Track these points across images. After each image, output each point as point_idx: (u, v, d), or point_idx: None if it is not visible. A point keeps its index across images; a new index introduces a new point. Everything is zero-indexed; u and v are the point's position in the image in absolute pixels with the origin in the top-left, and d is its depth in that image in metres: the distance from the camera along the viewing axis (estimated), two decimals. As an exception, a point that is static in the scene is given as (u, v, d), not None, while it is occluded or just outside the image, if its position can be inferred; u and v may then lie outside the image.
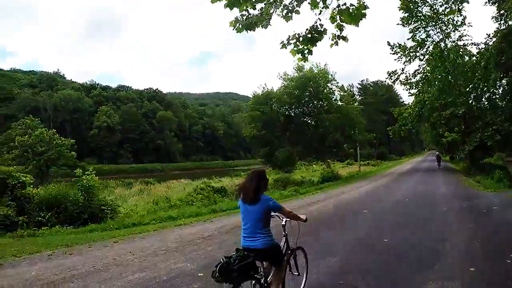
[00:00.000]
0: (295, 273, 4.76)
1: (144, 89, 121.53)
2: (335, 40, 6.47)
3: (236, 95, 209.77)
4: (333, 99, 34.21)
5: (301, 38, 6.34)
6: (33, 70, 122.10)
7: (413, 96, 32.86)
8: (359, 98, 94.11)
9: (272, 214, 4.23)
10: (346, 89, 51.77)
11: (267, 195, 4.09)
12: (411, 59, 30.95)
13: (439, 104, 28.91)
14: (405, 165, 51.07)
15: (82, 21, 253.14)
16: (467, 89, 28.24)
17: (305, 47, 6.42)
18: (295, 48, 6.44)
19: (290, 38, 6.40)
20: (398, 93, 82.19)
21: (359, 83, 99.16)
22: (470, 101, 28.74)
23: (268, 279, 4.12)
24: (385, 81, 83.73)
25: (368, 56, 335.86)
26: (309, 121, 33.87)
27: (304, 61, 6.87)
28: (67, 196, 12.35)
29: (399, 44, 31.03)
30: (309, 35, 6.31)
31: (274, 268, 4.25)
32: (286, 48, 6.48)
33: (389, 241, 7.69)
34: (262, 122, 32.45)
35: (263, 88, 34.44)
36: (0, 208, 10.74)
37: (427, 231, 8.72)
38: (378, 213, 11.73)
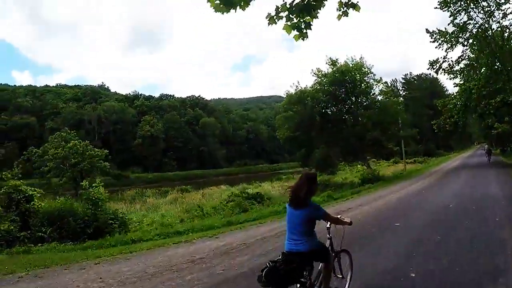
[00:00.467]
0: (339, 276, 4.77)
1: (187, 96, 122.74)
2: (342, 10, 5.34)
3: (280, 98, 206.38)
4: (371, 93, 32.08)
5: (294, 8, 4.99)
6: (78, 85, 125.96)
7: (458, 86, 30.22)
8: (403, 93, 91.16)
9: (316, 218, 4.21)
10: (388, 84, 49.70)
11: (315, 202, 4.24)
12: (453, 46, 28.43)
13: (486, 92, 26.06)
14: (452, 161, 48.20)
15: (124, 34, 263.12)
16: None
17: (301, 20, 5.12)
18: (289, 23, 5.14)
19: (280, 9, 5.04)
20: (443, 85, 78.24)
21: (402, 78, 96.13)
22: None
23: (314, 282, 4.18)
24: (430, 74, 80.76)
25: (416, 51, 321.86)
26: (346, 118, 31.61)
27: (303, 39, 5.33)
28: (72, 210, 11.82)
29: (439, 30, 28.52)
30: (304, 2, 4.98)
31: (322, 266, 4.31)
32: (275, 23, 5.13)
33: (415, 276, 5.58)
34: (296, 122, 30.80)
35: (296, 86, 32.43)
36: (3, 223, 10.48)
37: (473, 257, 6.36)
38: (412, 228, 9.39)
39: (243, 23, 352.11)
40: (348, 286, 4.95)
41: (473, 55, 28.28)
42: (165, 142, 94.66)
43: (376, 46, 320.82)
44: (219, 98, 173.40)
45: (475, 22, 27.03)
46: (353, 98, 31.30)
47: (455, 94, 32.64)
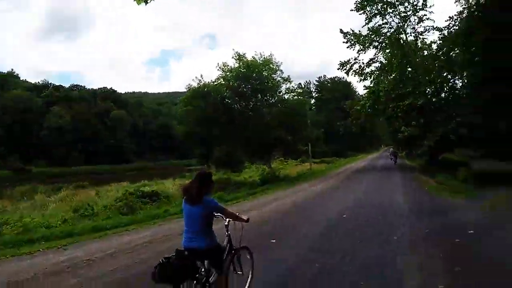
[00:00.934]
0: (239, 273, 4.73)
1: (98, 88, 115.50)
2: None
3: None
4: (278, 92, 30.46)
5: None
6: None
7: (367, 89, 30.10)
8: (316, 95, 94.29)
9: (215, 214, 4.26)
10: (302, 85, 50.24)
11: (209, 197, 4.15)
12: (366, 48, 28.40)
13: (395, 95, 26.18)
14: (360, 162, 49.58)
15: (40, 19, 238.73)
16: (427, 78, 25.64)
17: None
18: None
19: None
20: (355, 89, 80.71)
21: (316, 80, 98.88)
22: (430, 92, 26.25)
23: (210, 279, 4.13)
24: (343, 78, 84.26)
25: (335, 54, 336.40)
26: (250, 116, 29.36)
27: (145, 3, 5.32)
28: None
29: (353, 32, 28.52)
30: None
31: (215, 270, 4.22)
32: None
33: None
34: (197, 118, 28.22)
35: (200, 80, 29.49)
36: None
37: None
38: (288, 249, 7.28)
39: (166, 16, 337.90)
40: (249, 283, 4.92)
41: (385, 58, 28.61)
42: (73, 135, 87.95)
43: (299, 48, 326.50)
44: (133, 92, 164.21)
45: (390, 26, 27.30)
46: (259, 95, 29.69)
47: (363, 96, 32.74)
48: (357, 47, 28.50)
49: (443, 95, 26.35)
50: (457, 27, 21.72)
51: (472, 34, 18.03)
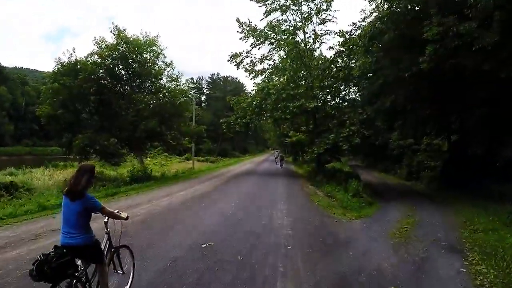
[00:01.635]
0: (120, 272, 4.69)
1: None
2: None
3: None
4: (159, 78, 26.12)
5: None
6: None
7: (256, 86, 27.75)
8: (207, 92, 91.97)
9: (93, 211, 4.07)
10: (194, 80, 46.94)
11: (90, 194, 4.01)
12: (261, 43, 26.07)
13: (286, 95, 24.22)
14: (244, 163, 47.51)
15: None
16: (321, 84, 24.21)
17: None
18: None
19: None
20: (247, 90, 80.00)
21: (209, 77, 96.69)
22: (323, 96, 24.92)
23: (90, 279, 4.07)
24: (236, 78, 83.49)
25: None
26: (123, 102, 24.42)
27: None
28: None
29: (250, 22, 25.97)
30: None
31: (96, 266, 4.18)
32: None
33: None
34: (63, 98, 22.51)
35: (71, 54, 23.59)
36: None
37: None
38: None
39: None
40: (131, 282, 4.91)
41: (280, 57, 26.74)
42: None
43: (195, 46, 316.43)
44: (21, 68, 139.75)
45: (289, 24, 25.38)
46: (138, 80, 25.31)
47: (251, 93, 30.72)
48: (251, 40, 26.01)
49: (337, 100, 25.37)
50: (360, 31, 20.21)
51: (380, 35, 16.51)
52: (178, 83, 26.82)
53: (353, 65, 22.41)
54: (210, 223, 9.78)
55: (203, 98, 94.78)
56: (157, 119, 23.46)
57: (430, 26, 13.08)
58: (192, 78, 27.43)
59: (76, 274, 3.76)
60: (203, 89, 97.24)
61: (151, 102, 24.54)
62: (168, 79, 26.67)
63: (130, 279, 4.86)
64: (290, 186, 20.35)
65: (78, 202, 3.81)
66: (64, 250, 3.64)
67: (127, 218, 4.48)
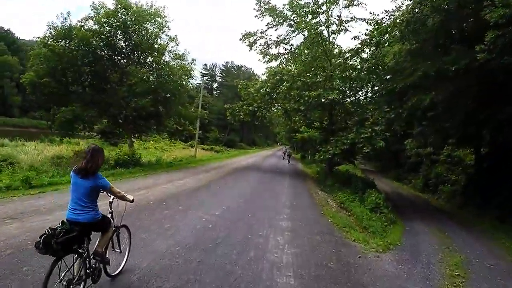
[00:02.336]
0: (117, 250, 4.78)
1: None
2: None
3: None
4: (161, 54, 22.84)
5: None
6: None
7: (268, 71, 24.26)
8: (219, 79, 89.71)
9: (101, 190, 4.15)
10: (207, 67, 44.20)
11: (100, 174, 4.07)
12: (279, 23, 23.05)
13: (301, 83, 21.28)
14: (249, 157, 44.88)
15: None
16: (343, 75, 21.01)
17: None
18: None
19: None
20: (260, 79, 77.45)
21: (222, 65, 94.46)
22: (344, 88, 21.82)
23: (91, 254, 4.08)
24: (251, 68, 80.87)
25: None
26: (114, 76, 21.46)
27: None
28: None
29: (268, 0, 23.02)
30: None
31: (101, 233, 4.25)
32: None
33: None
34: (52, 66, 19.65)
35: (65, 19, 20.80)
36: None
37: None
38: None
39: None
40: (126, 260, 5.01)
41: (297, 41, 23.81)
42: None
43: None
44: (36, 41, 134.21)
45: (312, 3, 21.98)
46: (137, 53, 22.27)
47: (262, 77, 27.71)
48: (267, 19, 23.08)
49: (360, 94, 22.50)
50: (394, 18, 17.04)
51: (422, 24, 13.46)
52: (183, 62, 23.79)
53: (382, 55, 19.47)
54: (189, 231, 7.10)
55: (215, 85, 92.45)
56: (151, 97, 20.63)
57: (491, 8, 10.28)
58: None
59: (80, 250, 3.78)
60: (216, 76, 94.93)
61: (147, 78, 21.32)
62: (171, 55, 23.68)
63: (126, 258, 5.00)
64: (297, 190, 17.20)
65: (89, 180, 3.91)
66: (71, 226, 3.70)
67: (132, 201, 4.59)
